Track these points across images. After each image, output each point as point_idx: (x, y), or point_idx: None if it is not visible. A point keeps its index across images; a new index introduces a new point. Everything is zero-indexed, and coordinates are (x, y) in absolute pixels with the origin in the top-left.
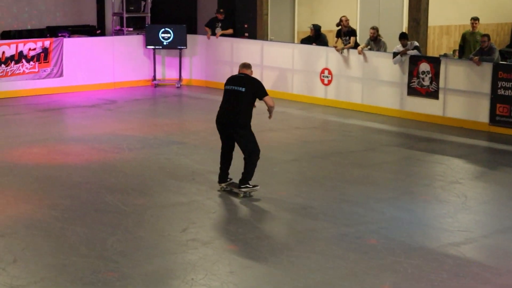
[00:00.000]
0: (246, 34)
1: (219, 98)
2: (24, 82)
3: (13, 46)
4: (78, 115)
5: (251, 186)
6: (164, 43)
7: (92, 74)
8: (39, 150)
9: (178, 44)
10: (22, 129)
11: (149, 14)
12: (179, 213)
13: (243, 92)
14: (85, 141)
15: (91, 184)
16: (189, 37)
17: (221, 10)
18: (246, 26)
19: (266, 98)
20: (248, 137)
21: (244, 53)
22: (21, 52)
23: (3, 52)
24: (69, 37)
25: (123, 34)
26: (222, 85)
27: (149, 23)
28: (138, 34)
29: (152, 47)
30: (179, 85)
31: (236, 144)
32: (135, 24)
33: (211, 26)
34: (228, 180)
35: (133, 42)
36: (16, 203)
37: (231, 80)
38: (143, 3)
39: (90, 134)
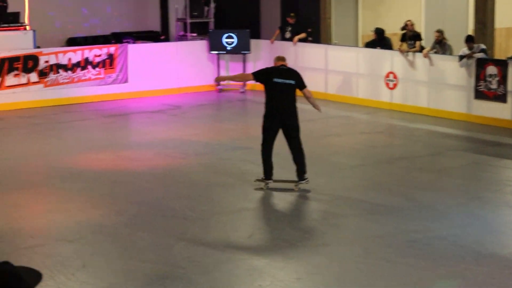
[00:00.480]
0: (310, 38)
1: None
2: (90, 88)
3: (79, 53)
4: (143, 120)
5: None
6: (228, 48)
7: (156, 80)
8: (106, 156)
9: (241, 49)
10: (89, 135)
11: (212, 19)
12: (245, 219)
13: (293, 84)
14: (151, 146)
15: (158, 190)
16: (253, 42)
17: (292, 14)
18: (309, 30)
19: (306, 89)
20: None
21: (308, 57)
22: (87, 58)
23: (70, 59)
24: (133, 43)
25: (187, 39)
26: None
27: (212, 28)
28: (201, 39)
29: (216, 52)
30: (243, 90)
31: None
32: (199, 30)
33: (282, 30)
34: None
35: (197, 47)
36: (85, 209)
37: (278, 73)
38: (206, 8)
39: (155, 140)
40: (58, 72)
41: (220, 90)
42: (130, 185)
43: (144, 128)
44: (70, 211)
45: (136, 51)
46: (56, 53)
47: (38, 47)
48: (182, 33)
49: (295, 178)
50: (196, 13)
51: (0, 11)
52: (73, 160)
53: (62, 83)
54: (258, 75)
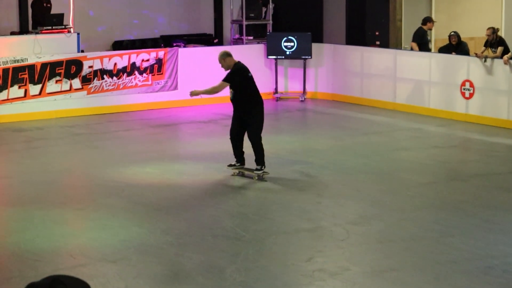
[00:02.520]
0: (378, 42)
1: (348, 113)
2: (136, 96)
3: (126, 57)
4: (193, 131)
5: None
6: (287, 53)
7: (208, 87)
8: (152, 170)
9: (302, 53)
10: (134, 147)
11: (270, 21)
12: (304, 240)
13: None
14: (201, 159)
15: (208, 207)
16: (314, 46)
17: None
18: (377, 33)
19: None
20: None
21: (375, 62)
22: (134, 63)
23: (115, 64)
24: (184, 47)
25: (242, 43)
26: (351, 98)
27: (270, 31)
28: (258, 43)
29: (274, 57)
30: (303, 99)
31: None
32: (256, 32)
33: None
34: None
35: (253, 51)
36: (129, 226)
37: (246, 69)
38: (264, 9)
39: (206, 152)
40: (102, 78)
41: (278, 99)
42: (178, 201)
43: (194, 140)
44: (113, 229)
45: (187, 55)
46: (100, 58)
47: (82, 51)
48: (237, 36)
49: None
50: (252, 15)
51: (43, 13)
52: (117, 174)
53: (107, 90)
54: (233, 78)
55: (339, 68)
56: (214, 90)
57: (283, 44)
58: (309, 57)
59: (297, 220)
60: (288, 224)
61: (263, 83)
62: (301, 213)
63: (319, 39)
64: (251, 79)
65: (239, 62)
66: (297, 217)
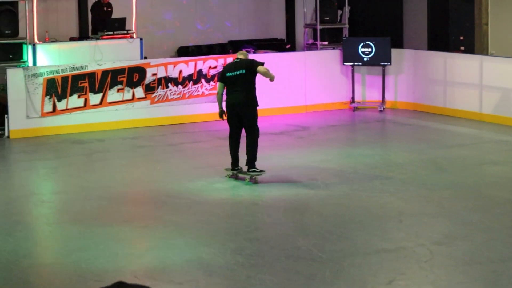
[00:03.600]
0: (462, 48)
1: (430, 124)
2: (203, 105)
3: (192, 64)
4: (264, 143)
5: (258, 170)
6: (365, 59)
7: (280, 96)
8: (221, 185)
9: (380, 60)
10: (202, 159)
11: (347, 26)
12: (384, 261)
13: (244, 74)
14: (274, 174)
15: (281, 225)
16: (394, 51)
17: None
18: (461, 38)
19: (259, 67)
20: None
21: (460, 70)
22: (200, 70)
23: (180, 71)
24: (254, 52)
25: (316, 48)
26: (433, 108)
27: (346, 35)
28: (334, 48)
29: (351, 63)
30: (382, 109)
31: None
32: (331, 37)
33: None
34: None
35: (328, 58)
36: (196, 246)
37: (229, 68)
38: (340, 12)
39: (279, 166)
40: (167, 87)
41: (355, 109)
42: (248, 219)
43: (265, 153)
44: (179, 248)
45: None
46: (165, 65)
47: (145, 58)
48: (311, 41)
49: None
50: (327, 18)
51: (104, 17)
52: (183, 189)
53: (172, 99)
54: (219, 78)
55: (420, 75)
56: (217, 95)
57: (360, 49)
58: (388, 63)
59: (377, 240)
60: (368, 244)
61: (339, 91)
62: (381, 232)
63: (399, 44)
64: (227, 79)
65: (234, 60)
66: (377, 237)
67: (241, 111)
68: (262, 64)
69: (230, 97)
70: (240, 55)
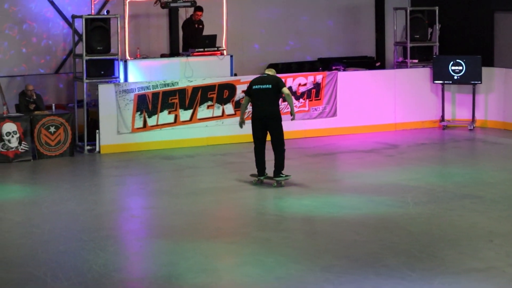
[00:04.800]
0: None
1: None
2: (292, 123)
3: None
4: (353, 161)
5: (284, 175)
6: (455, 77)
7: (369, 114)
8: (310, 202)
9: (471, 78)
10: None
11: (437, 44)
12: (474, 281)
13: (270, 88)
14: (362, 192)
15: (370, 243)
16: (485, 70)
17: None
18: None
19: (284, 89)
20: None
21: None
22: (290, 88)
23: None
24: (344, 70)
25: (406, 66)
26: None
27: (437, 53)
28: (424, 66)
29: (441, 82)
30: (472, 127)
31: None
32: (421, 55)
33: None
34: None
35: (418, 76)
36: (285, 262)
37: (257, 81)
38: (430, 30)
39: (368, 184)
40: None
41: (444, 127)
42: (337, 236)
43: (354, 170)
44: (268, 265)
45: (347, 79)
46: None
47: (235, 75)
48: (400, 59)
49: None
50: (417, 36)
51: (195, 34)
52: (272, 206)
53: None
54: (246, 90)
55: (511, 94)
56: (242, 106)
57: (451, 68)
58: (479, 82)
59: (467, 259)
60: (458, 263)
61: (429, 109)
62: (472, 251)
63: (489, 62)
64: (254, 92)
65: (262, 74)
66: (467, 256)
67: (267, 123)
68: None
69: (256, 110)
70: (269, 71)
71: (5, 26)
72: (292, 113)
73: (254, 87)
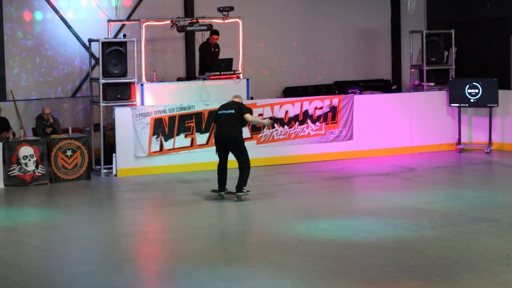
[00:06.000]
0: None
1: None
2: (308, 146)
3: (298, 105)
4: (370, 184)
5: (245, 191)
6: (471, 100)
7: (386, 137)
8: (327, 226)
9: (487, 101)
10: (307, 200)
11: (453, 66)
12: None
13: (233, 113)
14: (379, 215)
15: (387, 267)
16: (501, 93)
17: None
18: None
19: (246, 115)
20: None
21: None
22: (306, 111)
23: (286, 112)
24: (360, 93)
25: (422, 89)
26: None
27: (453, 76)
28: (440, 89)
29: (457, 105)
30: (488, 150)
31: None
32: (437, 78)
33: None
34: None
35: (435, 99)
36: (302, 286)
37: (223, 107)
38: (446, 53)
39: (385, 208)
40: (273, 127)
41: (461, 150)
42: (354, 260)
43: (371, 194)
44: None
45: (363, 103)
46: (271, 105)
47: (252, 98)
48: (417, 82)
49: None
50: (434, 59)
51: (211, 58)
52: (289, 229)
53: (278, 140)
54: (214, 117)
55: None
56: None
57: (467, 91)
58: (495, 105)
59: (485, 283)
60: (475, 287)
61: (445, 132)
62: (489, 275)
63: (506, 85)
64: (219, 116)
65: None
66: (485, 280)
67: (228, 146)
68: (250, 112)
69: (218, 132)
70: (235, 98)
71: (22, 50)
72: (265, 125)
73: (219, 112)
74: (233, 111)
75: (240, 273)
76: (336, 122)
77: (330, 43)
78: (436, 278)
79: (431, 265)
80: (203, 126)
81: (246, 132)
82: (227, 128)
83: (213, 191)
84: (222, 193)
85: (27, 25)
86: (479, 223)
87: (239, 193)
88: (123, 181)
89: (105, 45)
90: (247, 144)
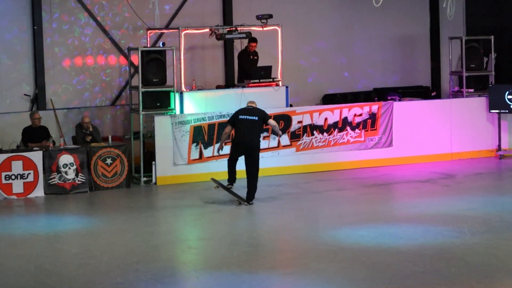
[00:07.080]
0: None
1: None
2: (348, 153)
3: (337, 112)
4: (409, 191)
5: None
6: (511, 106)
7: (425, 144)
8: (367, 233)
9: None
10: (347, 207)
11: (493, 73)
12: None
13: (256, 120)
14: (419, 222)
15: (428, 274)
16: None
17: None
18: None
19: (270, 120)
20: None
21: None
22: (346, 118)
23: (326, 119)
24: (399, 100)
25: (462, 96)
26: None
27: (493, 82)
28: (480, 96)
29: (497, 111)
30: None
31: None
32: (477, 84)
33: None
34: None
35: (474, 105)
36: None
37: (243, 112)
38: (485, 59)
39: (424, 215)
40: (312, 134)
41: (501, 157)
42: (395, 267)
43: (410, 201)
44: None
45: (403, 109)
46: (310, 112)
47: (291, 106)
48: (456, 88)
49: None
50: (473, 65)
51: (250, 66)
52: (329, 237)
53: (317, 147)
54: (231, 120)
55: None
56: (223, 135)
57: (507, 97)
58: None
59: None
60: None
61: (485, 139)
62: None
63: None
64: (240, 121)
65: (247, 106)
66: None
67: (248, 151)
68: (271, 118)
69: (240, 136)
70: (252, 103)
71: (61, 59)
72: (278, 134)
73: (240, 116)
74: (256, 118)
75: (280, 280)
76: (375, 129)
77: (369, 49)
78: (477, 285)
79: (472, 272)
80: None
81: (286, 139)
82: (249, 135)
83: (216, 182)
84: (230, 186)
85: (67, 35)
86: None
87: (251, 202)
88: (163, 189)
89: (145, 53)
90: (286, 151)
